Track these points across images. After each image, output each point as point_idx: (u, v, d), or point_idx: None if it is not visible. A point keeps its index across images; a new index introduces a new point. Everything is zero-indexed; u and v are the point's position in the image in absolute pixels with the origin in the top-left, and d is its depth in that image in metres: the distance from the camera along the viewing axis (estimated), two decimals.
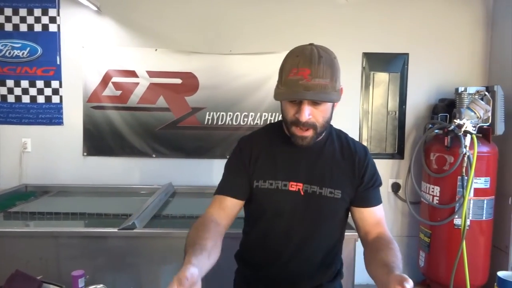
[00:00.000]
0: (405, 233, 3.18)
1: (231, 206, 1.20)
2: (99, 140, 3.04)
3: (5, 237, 1.95)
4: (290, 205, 1.18)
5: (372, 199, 1.23)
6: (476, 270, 2.62)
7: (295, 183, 1.17)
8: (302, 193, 1.17)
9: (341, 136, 1.28)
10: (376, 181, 1.24)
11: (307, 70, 1.03)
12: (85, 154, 3.05)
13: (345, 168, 1.21)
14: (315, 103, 1.07)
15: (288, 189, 1.17)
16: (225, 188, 1.22)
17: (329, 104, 1.11)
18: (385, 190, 3.15)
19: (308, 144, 1.13)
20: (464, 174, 2.50)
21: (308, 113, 1.07)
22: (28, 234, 1.98)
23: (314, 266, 1.24)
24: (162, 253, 1.99)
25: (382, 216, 1.23)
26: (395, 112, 3.10)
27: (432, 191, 2.73)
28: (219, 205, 1.19)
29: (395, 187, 3.13)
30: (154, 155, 3.05)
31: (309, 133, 1.10)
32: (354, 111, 3.09)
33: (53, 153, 3.03)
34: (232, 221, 1.20)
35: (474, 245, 2.62)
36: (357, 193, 1.21)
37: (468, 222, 2.57)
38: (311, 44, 1.11)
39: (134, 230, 1.89)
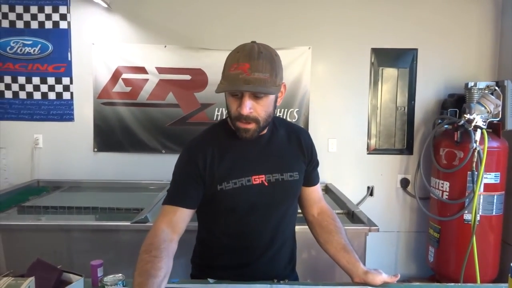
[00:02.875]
0: (413, 229, 3.18)
1: (183, 218, 1.18)
2: (110, 136, 3.07)
3: (20, 230, 1.99)
4: (258, 198, 1.21)
5: (317, 178, 1.39)
6: (486, 265, 2.62)
7: (257, 176, 1.21)
8: (266, 184, 1.22)
9: (281, 122, 1.35)
10: (317, 161, 1.38)
11: (246, 65, 1.06)
12: (95, 150, 3.08)
13: (295, 150, 1.30)
14: (256, 97, 1.10)
15: (252, 183, 1.20)
16: (176, 198, 1.19)
17: (271, 99, 1.14)
18: (393, 185, 3.15)
19: (251, 137, 1.16)
20: (474, 169, 2.49)
21: (249, 107, 1.10)
22: (42, 227, 2.01)
23: (285, 255, 1.33)
24: None
25: (321, 191, 1.43)
26: (404, 108, 3.09)
27: (442, 187, 2.73)
28: (169, 219, 1.16)
29: (404, 183, 3.13)
30: (163, 151, 3.07)
31: (252, 126, 1.13)
32: (363, 106, 3.09)
33: (64, 149, 3.07)
34: (183, 230, 1.19)
35: (484, 240, 2.61)
36: (306, 173, 1.32)
37: (478, 217, 2.56)
38: (253, 42, 1.15)
39: (147, 224, 1.91)
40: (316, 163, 1.37)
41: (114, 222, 2.00)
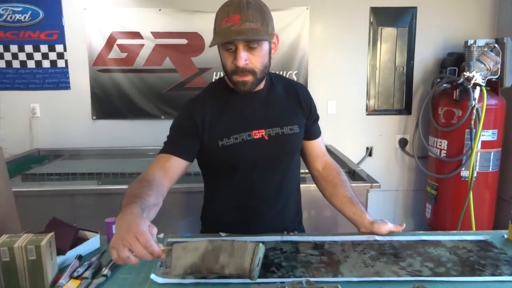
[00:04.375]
0: (411, 187, 3.24)
1: (176, 167, 1.18)
2: (108, 103, 3.05)
3: (28, 196, 2.00)
4: (259, 153, 1.23)
5: (318, 131, 1.40)
6: (481, 220, 2.70)
7: (257, 131, 1.22)
8: (266, 138, 1.23)
9: (278, 77, 1.35)
10: (318, 115, 1.38)
11: (237, 16, 1.06)
12: (94, 117, 3.07)
13: (294, 104, 1.30)
14: (250, 48, 1.10)
15: (253, 138, 1.22)
16: (170, 147, 1.20)
17: (265, 49, 1.14)
18: (392, 146, 3.19)
19: (250, 89, 1.16)
20: (472, 127, 2.52)
21: (244, 58, 1.10)
22: (49, 193, 2.03)
23: (292, 208, 1.36)
24: (179, 208, 2.05)
25: (324, 146, 1.43)
26: (403, 68, 3.08)
27: (440, 145, 2.77)
28: (162, 165, 1.17)
29: (402, 143, 3.17)
30: (163, 117, 3.07)
31: (249, 78, 1.13)
32: (362, 67, 3.08)
33: (63, 118, 3.05)
34: (174, 183, 1.19)
35: (480, 196, 2.68)
36: (306, 127, 1.32)
37: (475, 174, 2.62)
38: None
39: None
40: (316, 117, 1.37)
41: (121, 186, 2.02)
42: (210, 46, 1.11)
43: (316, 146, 1.40)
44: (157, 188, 1.06)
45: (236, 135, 1.21)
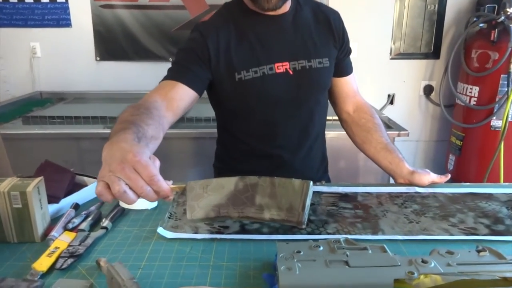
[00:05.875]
0: (434, 138, 3.06)
1: (182, 97, 0.97)
2: (112, 43, 2.83)
3: (28, 139, 1.89)
4: (282, 90, 1.06)
5: (350, 67, 1.21)
6: (509, 172, 2.55)
7: (280, 64, 1.05)
8: (291, 72, 1.06)
9: (307, 0, 1.14)
10: (350, 47, 1.20)
11: None
12: (98, 59, 2.87)
13: (324, 32, 1.11)
14: None
15: (275, 72, 1.04)
16: (177, 73, 1.00)
17: None
18: (416, 93, 2.97)
19: (276, 6, 0.98)
20: (511, 71, 2.29)
21: None
22: (51, 136, 1.90)
23: (317, 155, 1.21)
24: (188, 156, 1.93)
25: (356, 84, 1.24)
26: (435, 6, 2.78)
27: (470, 92, 2.55)
28: (166, 93, 0.95)
29: (428, 90, 2.94)
30: (170, 59, 2.86)
31: None
32: (388, 5, 2.78)
33: (65, 58, 2.85)
34: (177, 117, 0.98)
35: (510, 147, 2.50)
36: (337, 61, 1.15)
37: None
38: None
39: None
40: (348, 50, 1.18)
41: None
42: None
43: (348, 84, 1.21)
44: (158, 119, 0.84)
45: (256, 68, 1.03)
